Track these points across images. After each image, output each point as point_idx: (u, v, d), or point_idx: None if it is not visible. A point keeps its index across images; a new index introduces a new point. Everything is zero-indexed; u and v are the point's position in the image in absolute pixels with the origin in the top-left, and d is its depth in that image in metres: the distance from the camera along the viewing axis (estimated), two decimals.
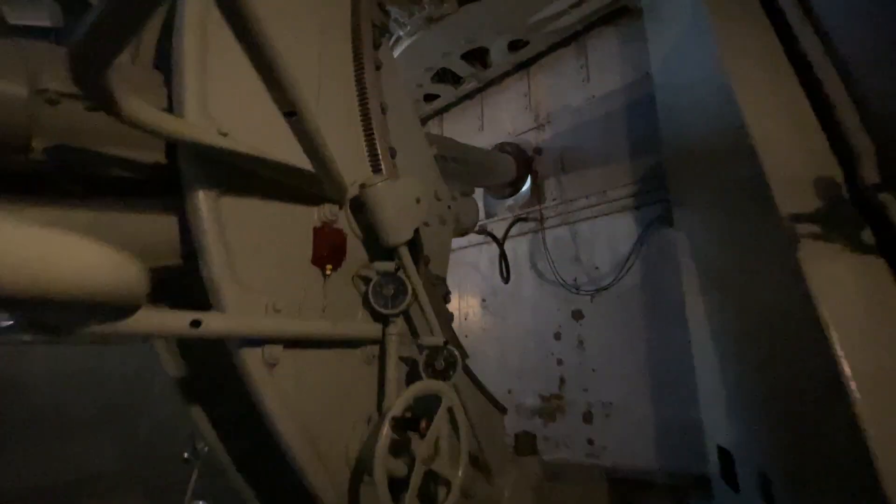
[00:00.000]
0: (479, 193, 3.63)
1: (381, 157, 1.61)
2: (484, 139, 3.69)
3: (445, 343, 1.46)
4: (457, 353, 1.45)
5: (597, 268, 2.79)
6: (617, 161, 2.79)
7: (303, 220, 1.37)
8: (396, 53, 3.14)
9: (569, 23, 2.84)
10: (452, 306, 3.69)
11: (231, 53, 1.26)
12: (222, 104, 1.18)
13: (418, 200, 1.52)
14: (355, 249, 1.52)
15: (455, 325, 3.42)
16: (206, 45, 1.19)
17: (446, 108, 4.05)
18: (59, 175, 1.09)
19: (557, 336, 2.90)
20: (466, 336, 3.48)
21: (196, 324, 0.98)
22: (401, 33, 3.00)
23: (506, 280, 2.92)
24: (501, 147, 3.43)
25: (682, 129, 2.33)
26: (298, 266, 1.34)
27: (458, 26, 2.88)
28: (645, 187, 2.65)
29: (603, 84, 2.97)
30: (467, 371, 1.86)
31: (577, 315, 2.82)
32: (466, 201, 2.43)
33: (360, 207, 1.45)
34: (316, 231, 1.39)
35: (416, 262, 1.60)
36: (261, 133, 1.19)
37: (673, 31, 2.16)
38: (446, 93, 3.71)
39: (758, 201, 1.45)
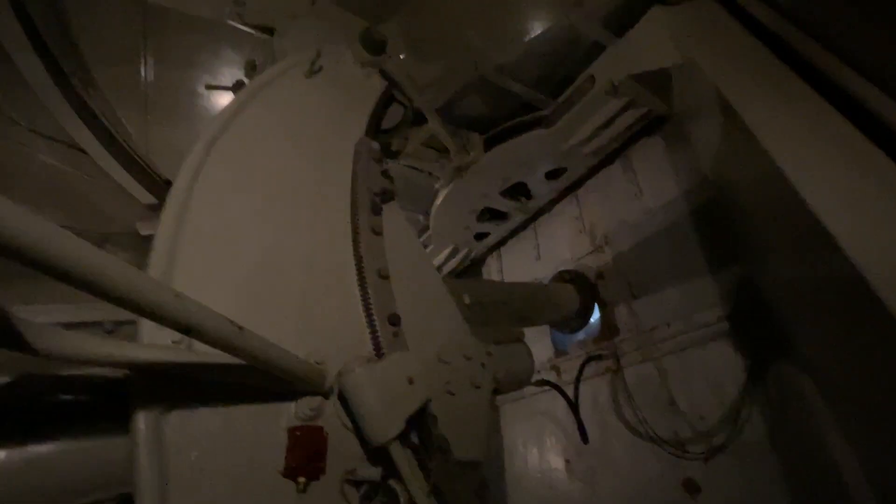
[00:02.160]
0: (545, 330, 3.25)
1: (378, 327, 1.44)
2: (543, 268, 3.44)
3: None
4: None
5: (702, 417, 2.13)
6: (694, 278, 2.32)
7: (275, 421, 1.18)
8: (438, 202, 3.21)
9: (602, 143, 2.71)
10: (533, 467, 3.07)
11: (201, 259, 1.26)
12: None
13: (411, 381, 1.28)
14: (346, 446, 1.26)
15: (539, 494, 2.78)
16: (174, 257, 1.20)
17: (502, 242, 3.97)
18: (16, 408, 1.06)
19: None
20: None
21: None
22: (436, 185, 3.11)
23: (584, 439, 2.35)
24: (560, 276, 3.13)
25: (763, 232, 1.88)
26: (265, 482, 1.11)
27: (490, 169, 2.91)
28: (739, 306, 2.10)
29: (658, 195, 2.66)
30: None
31: (691, 486, 2.09)
32: (510, 351, 2.10)
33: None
34: (290, 433, 1.18)
35: (426, 452, 1.28)
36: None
37: (713, 128, 1.89)
38: (495, 230, 3.65)
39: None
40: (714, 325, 2.17)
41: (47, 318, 1.15)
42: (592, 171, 3.15)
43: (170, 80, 2.94)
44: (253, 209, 1.40)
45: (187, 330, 0.78)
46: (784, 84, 1.41)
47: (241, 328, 0.90)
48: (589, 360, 2.69)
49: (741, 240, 2.11)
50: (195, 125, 3.18)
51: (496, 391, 1.97)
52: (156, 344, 1.05)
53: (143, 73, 3.02)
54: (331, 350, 1.33)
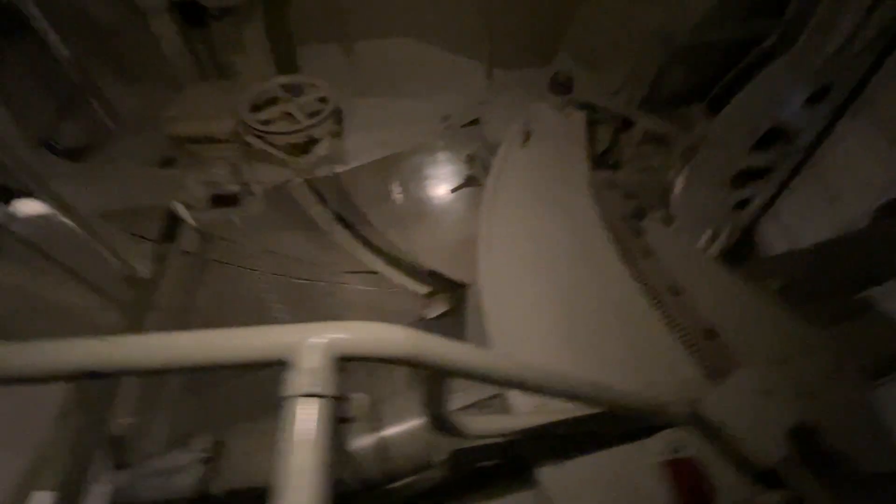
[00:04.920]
0: None
1: (698, 346, 1.40)
2: (845, 210, 2.67)
3: None
4: None
5: None
6: None
7: (640, 458, 1.25)
8: (677, 191, 2.95)
9: (874, 33, 2.05)
10: None
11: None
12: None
13: (768, 393, 1.17)
14: (722, 473, 1.23)
15: None
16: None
17: (771, 201, 3.28)
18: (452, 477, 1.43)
19: None
20: None
21: None
22: (670, 176, 2.88)
23: None
24: (891, 207, 2.38)
25: None
26: None
27: (727, 132, 2.54)
28: None
29: None
30: None
31: None
32: (861, 324, 1.69)
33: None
34: (665, 468, 1.22)
35: (824, 468, 1.14)
36: None
37: None
38: (760, 191, 3.08)
39: None
40: None
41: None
42: (874, 69, 2.38)
43: (413, 194, 3.73)
44: (538, 277, 1.60)
45: (572, 395, 0.95)
46: None
47: (594, 382, 1.03)
48: None
49: None
50: (438, 222, 3.88)
51: (869, 377, 1.60)
52: (526, 412, 1.29)
53: (395, 201, 3.90)
54: (659, 379, 1.37)
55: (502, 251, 1.64)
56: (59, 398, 2.99)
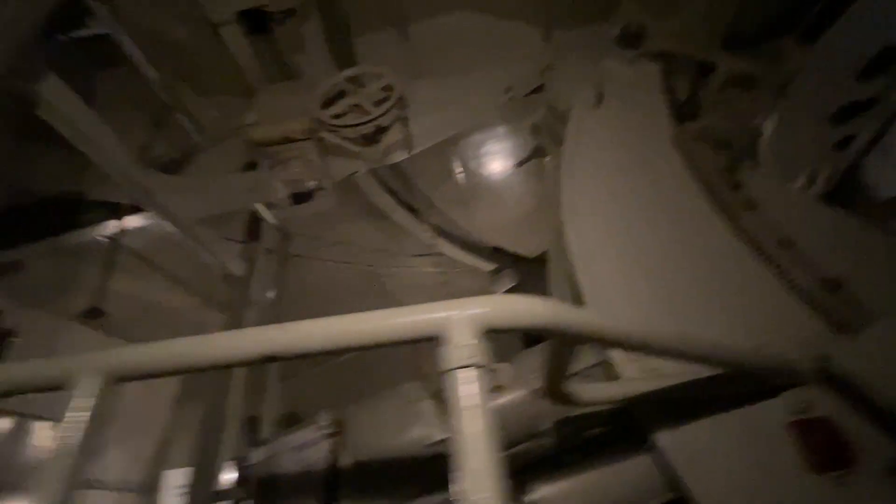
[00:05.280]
0: None
1: (819, 299, 1.30)
2: None
3: None
4: None
5: None
6: None
7: (770, 419, 1.20)
8: (768, 134, 2.70)
9: None
10: None
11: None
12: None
13: None
14: (863, 432, 1.14)
15: None
16: None
17: (879, 136, 2.90)
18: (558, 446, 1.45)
19: None
20: None
21: None
22: (756, 120, 2.63)
23: None
24: None
25: None
26: (788, 480, 1.12)
27: (827, 62, 2.26)
28: None
29: None
30: None
31: None
32: None
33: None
34: (794, 428, 1.16)
35: None
36: None
37: None
38: (864, 125, 2.73)
39: None
40: None
41: None
42: None
43: (476, 172, 3.71)
44: (630, 241, 1.54)
45: (700, 357, 0.93)
46: None
47: (720, 343, 1.00)
48: None
49: None
50: (502, 198, 3.85)
51: None
52: (635, 377, 1.27)
53: (457, 181, 3.91)
54: (776, 338, 1.29)
55: (589, 217, 1.60)
56: (174, 386, 3.37)
